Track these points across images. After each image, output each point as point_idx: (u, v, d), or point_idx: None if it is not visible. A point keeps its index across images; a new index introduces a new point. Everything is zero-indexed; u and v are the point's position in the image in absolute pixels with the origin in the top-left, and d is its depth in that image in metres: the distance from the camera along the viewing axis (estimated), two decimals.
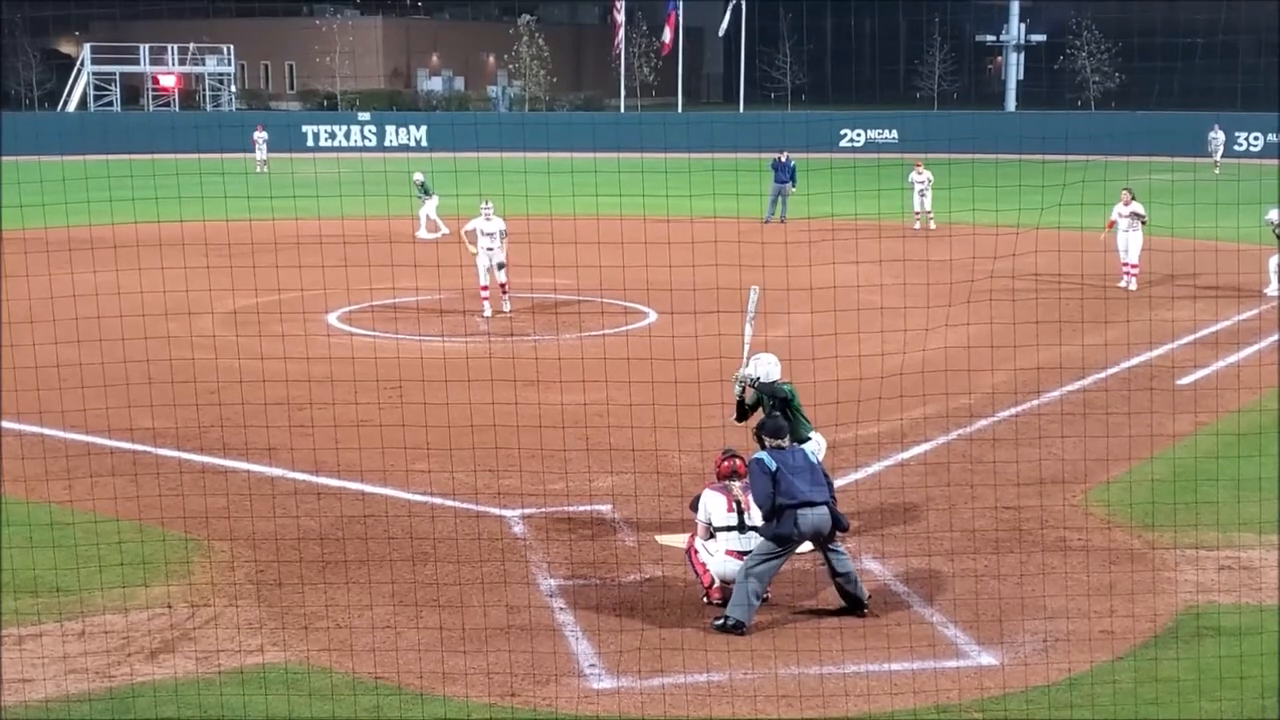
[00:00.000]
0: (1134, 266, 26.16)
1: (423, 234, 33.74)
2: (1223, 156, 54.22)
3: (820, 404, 13.89)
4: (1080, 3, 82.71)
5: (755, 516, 10.97)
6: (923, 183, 36.61)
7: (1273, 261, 25.69)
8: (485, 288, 23.43)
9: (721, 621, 10.61)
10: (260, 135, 54.89)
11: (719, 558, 11.06)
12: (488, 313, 23.36)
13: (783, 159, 39.06)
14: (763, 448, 11.05)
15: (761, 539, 10.78)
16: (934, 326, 17.45)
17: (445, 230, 32.95)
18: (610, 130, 58.51)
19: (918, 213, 36.70)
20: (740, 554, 10.93)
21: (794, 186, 38.30)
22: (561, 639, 10.52)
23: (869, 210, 29.46)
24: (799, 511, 10.57)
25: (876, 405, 16.65)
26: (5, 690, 9.59)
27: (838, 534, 10.87)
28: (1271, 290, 25.42)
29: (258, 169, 52.72)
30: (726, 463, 11.29)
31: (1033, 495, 13.62)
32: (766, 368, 12.50)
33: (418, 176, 34.78)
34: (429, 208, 34.40)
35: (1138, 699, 9.45)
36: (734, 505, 11.10)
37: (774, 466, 10.72)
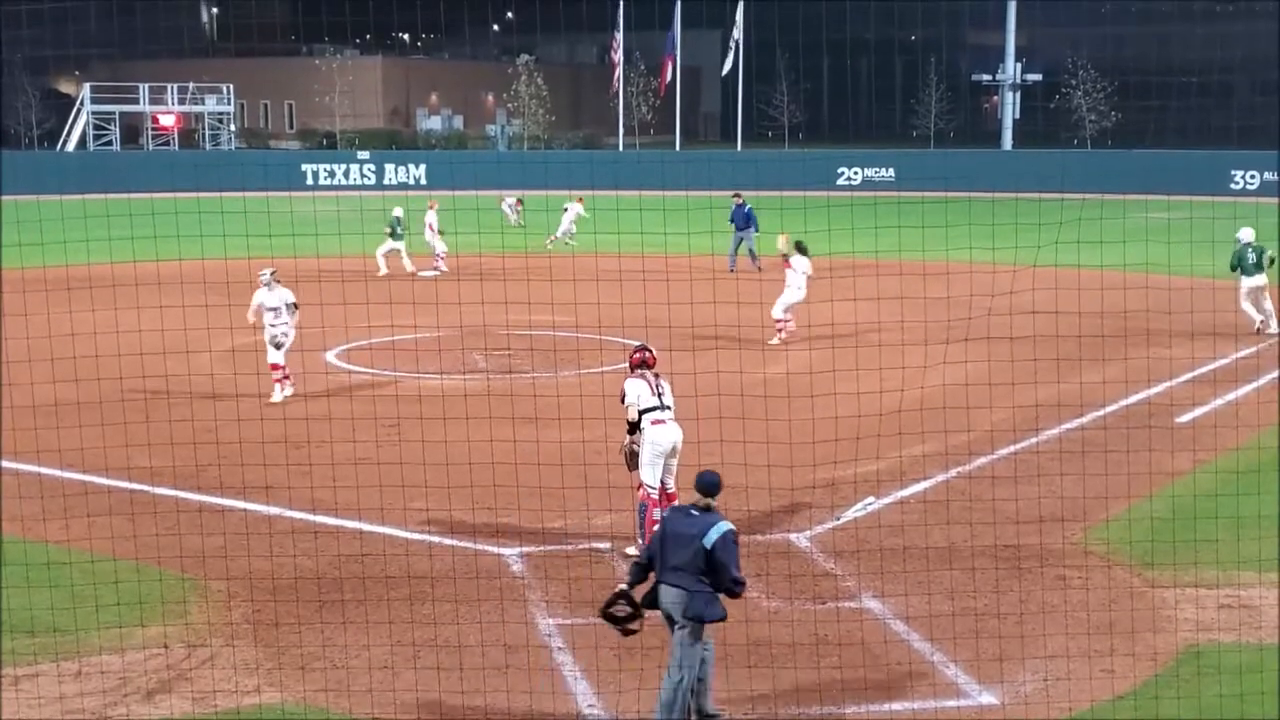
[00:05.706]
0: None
1: (432, 267, 33.79)
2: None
3: (819, 440, 13.87)
4: (1077, 39, 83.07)
5: (670, 398, 12.86)
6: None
7: (1242, 297, 25.75)
8: (275, 366, 19.95)
9: None
10: (510, 203, 52.02)
11: (648, 429, 12.70)
12: (277, 396, 19.78)
13: (739, 203, 36.49)
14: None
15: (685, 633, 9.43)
16: (933, 364, 17.42)
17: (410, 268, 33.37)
18: (609, 168, 58.65)
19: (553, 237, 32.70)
20: (661, 422, 12.65)
21: (756, 231, 35.42)
22: (560, 679, 10.47)
23: (866, 249, 29.55)
24: (660, 586, 9.56)
25: (875, 443, 16.66)
26: None
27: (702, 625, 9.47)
28: (1272, 329, 25.45)
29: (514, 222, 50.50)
30: (637, 354, 13.13)
31: (1032, 533, 13.58)
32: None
33: (397, 212, 34.39)
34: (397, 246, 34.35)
35: None
36: (654, 390, 12.89)
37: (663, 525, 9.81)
